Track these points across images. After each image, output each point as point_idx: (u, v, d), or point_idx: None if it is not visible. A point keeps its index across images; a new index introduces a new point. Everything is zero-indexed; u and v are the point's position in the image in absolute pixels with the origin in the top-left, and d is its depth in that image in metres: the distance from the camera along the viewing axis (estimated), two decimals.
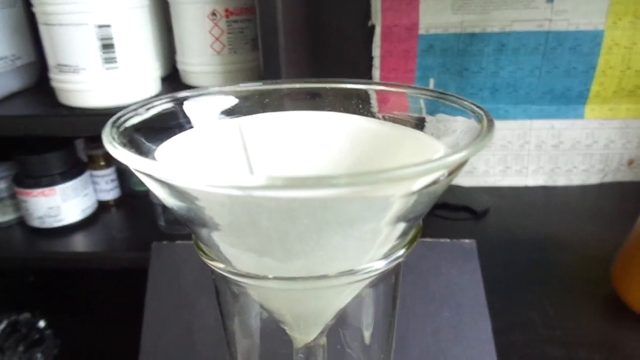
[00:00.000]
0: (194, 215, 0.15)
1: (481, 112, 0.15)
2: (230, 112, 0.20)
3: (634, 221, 0.48)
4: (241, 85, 0.20)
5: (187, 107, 0.19)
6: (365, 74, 0.67)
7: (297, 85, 0.21)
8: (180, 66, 0.49)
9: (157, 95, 0.46)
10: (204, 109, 0.19)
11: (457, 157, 0.12)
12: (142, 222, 0.55)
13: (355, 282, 0.16)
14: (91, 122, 0.43)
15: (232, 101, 0.20)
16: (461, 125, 0.16)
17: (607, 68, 0.67)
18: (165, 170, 0.13)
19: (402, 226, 0.15)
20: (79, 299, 0.57)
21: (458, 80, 0.69)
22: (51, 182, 0.50)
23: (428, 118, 0.18)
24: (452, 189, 0.67)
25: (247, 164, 0.20)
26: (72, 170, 0.52)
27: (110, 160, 0.57)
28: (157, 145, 0.17)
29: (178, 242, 0.45)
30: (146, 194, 0.55)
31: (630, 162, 0.72)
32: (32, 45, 0.51)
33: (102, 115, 0.43)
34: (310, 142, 0.20)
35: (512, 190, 0.71)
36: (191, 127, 0.19)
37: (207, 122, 0.19)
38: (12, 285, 0.55)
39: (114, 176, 0.57)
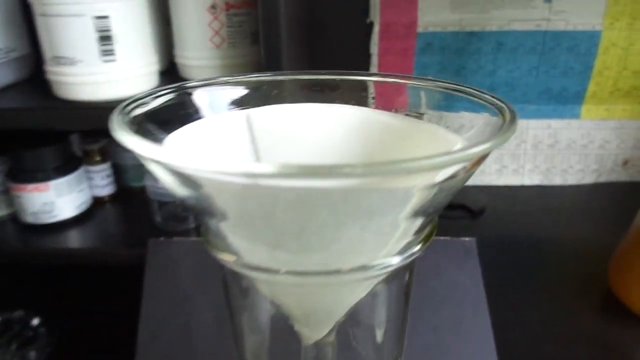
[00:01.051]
0: (204, 205, 0.14)
1: (502, 104, 0.15)
2: (238, 103, 0.20)
3: (629, 221, 0.49)
4: (250, 75, 0.20)
5: (196, 96, 0.18)
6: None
7: (307, 77, 0.21)
8: (178, 60, 0.48)
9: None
10: (213, 99, 0.19)
11: (480, 149, 0.12)
12: (137, 218, 0.54)
13: (369, 278, 0.15)
14: (88, 115, 0.42)
15: (240, 92, 0.20)
16: (480, 120, 0.16)
17: (604, 68, 0.67)
18: (176, 157, 0.12)
19: (420, 220, 0.14)
20: (74, 297, 0.57)
21: (456, 79, 0.69)
22: (46, 177, 0.49)
23: (445, 113, 0.18)
24: None
25: (255, 156, 0.19)
26: (67, 165, 0.51)
27: (105, 156, 0.56)
28: (165, 135, 0.17)
29: (175, 238, 0.44)
30: (142, 189, 0.54)
31: (625, 163, 0.72)
32: (26, 37, 0.50)
33: (98, 109, 0.42)
34: (321, 135, 0.20)
35: (508, 189, 0.71)
36: (200, 117, 0.18)
37: (216, 113, 0.19)
38: (5, 282, 0.54)
39: (109, 171, 0.57)
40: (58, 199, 0.50)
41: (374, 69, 0.67)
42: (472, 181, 0.71)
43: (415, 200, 0.13)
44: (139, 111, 0.16)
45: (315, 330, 0.18)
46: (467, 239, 0.44)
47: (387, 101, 0.20)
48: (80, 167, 0.52)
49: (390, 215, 0.13)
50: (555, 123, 0.71)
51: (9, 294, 0.55)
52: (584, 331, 0.46)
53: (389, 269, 0.15)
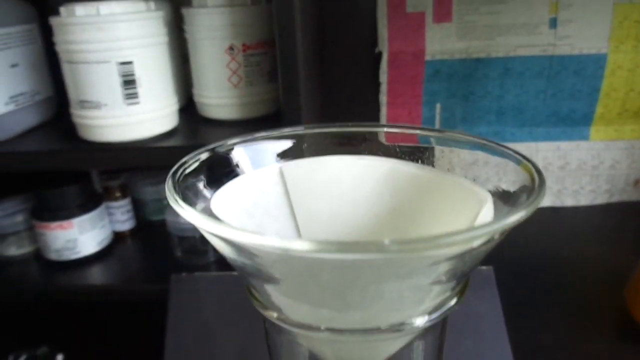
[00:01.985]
0: (254, 269, 0.15)
1: (528, 162, 0.16)
2: (272, 157, 0.21)
3: None
4: (280, 130, 0.21)
5: (235, 153, 0.20)
6: (372, 100, 0.68)
7: (336, 130, 0.22)
8: (197, 99, 0.49)
9: (175, 128, 0.47)
10: (248, 154, 0.20)
11: (514, 219, 0.13)
12: (158, 252, 0.54)
13: (407, 334, 0.16)
14: (112, 155, 0.44)
15: (273, 146, 0.21)
16: (503, 170, 0.17)
17: (611, 90, 0.68)
18: (233, 233, 0.13)
19: (457, 277, 0.15)
20: (97, 333, 0.57)
21: (464, 105, 0.70)
22: (69, 214, 0.50)
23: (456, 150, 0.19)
24: None
25: (289, 208, 0.20)
26: (89, 202, 0.52)
27: (125, 191, 0.58)
28: (212, 189, 0.18)
29: (197, 273, 0.45)
30: (161, 223, 0.55)
31: (637, 182, 0.73)
32: (49, 80, 0.52)
33: (122, 149, 0.44)
34: (350, 186, 0.21)
35: None
36: (238, 173, 0.19)
37: (252, 167, 0.20)
38: (29, 319, 0.54)
39: (129, 207, 0.58)
40: (81, 236, 0.51)
41: (383, 97, 0.69)
42: None
43: (453, 263, 0.14)
44: (187, 171, 0.17)
45: None
46: (484, 267, 0.44)
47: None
48: (101, 204, 0.54)
49: (429, 275, 0.14)
50: (565, 145, 0.71)
51: (33, 330, 0.56)
52: (602, 354, 0.46)
53: (428, 324, 0.16)
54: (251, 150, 0.21)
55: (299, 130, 0.22)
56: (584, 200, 0.72)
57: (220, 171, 0.19)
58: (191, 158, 0.18)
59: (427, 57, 0.67)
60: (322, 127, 0.22)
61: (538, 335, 0.48)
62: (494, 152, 0.18)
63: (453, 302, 0.16)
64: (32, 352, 0.50)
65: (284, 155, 0.21)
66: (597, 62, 0.66)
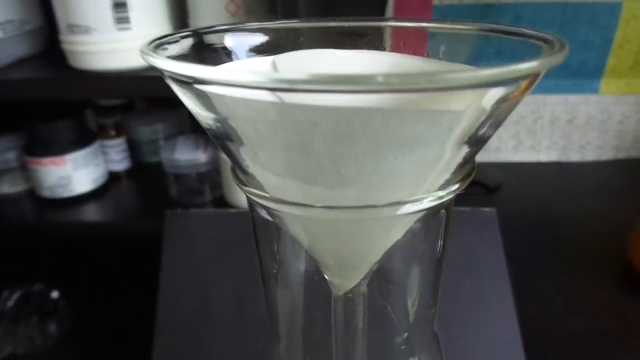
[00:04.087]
0: (233, 132, 0.14)
1: (550, 36, 0.14)
2: (264, 50, 0.19)
3: None
4: (276, 22, 0.19)
5: (226, 40, 0.18)
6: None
7: (334, 24, 0.20)
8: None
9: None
10: (238, 44, 0.18)
11: (534, 65, 0.11)
12: (153, 192, 0.54)
13: (406, 214, 0.15)
14: (102, 85, 0.42)
15: (266, 38, 0.19)
16: None
17: (625, 42, 0.66)
18: (207, 72, 0.12)
19: (464, 152, 0.14)
20: (92, 269, 0.57)
21: None
22: (62, 150, 0.49)
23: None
24: None
25: None
26: (83, 139, 0.51)
27: (120, 131, 0.56)
28: None
29: (192, 210, 0.44)
30: (157, 165, 0.54)
31: None
32: (40, 10, 0.50)
33: (113, 79, 0.42)
34: None
35: (525, 165, 0.70)
36: (225, 61, 0.18)
37: (241, 58, 0.18)
38: (23, 256, 0.54)
39: (124, 146, 0.56)
40: (74, 173, 0.50)
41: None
42: (488, 158, 0.70)
43: (462, 126, 0.13)
44: (169, 51, 0.15)
45: (346, 278, 0.18)
46: (487, 209, 0.43)
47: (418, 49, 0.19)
48: (95, 141, 0.52)
49: (433, 144, 0.13)
50: (573, 98, 0.69)
51: (28, 267, 0.56)
52: (605, 304, 0.46)
53: (426, 206, 0.15)
54: (242, 39, 0.19)
55: (295, 22, 0.20)
56: (590, 156, 0.71)
57: (207, 58, 0.18)
58: (173, 34, 0.16)
59: (435, 2, 0.64)
60: (320, 20, 0.20)
61: (540, 285, 0.48)
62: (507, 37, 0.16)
63: (456, 186, 0.15)
64: (28, 289, 0.50)
65: (278, 49, 0.19)
66: (611, 11, 0.64)
